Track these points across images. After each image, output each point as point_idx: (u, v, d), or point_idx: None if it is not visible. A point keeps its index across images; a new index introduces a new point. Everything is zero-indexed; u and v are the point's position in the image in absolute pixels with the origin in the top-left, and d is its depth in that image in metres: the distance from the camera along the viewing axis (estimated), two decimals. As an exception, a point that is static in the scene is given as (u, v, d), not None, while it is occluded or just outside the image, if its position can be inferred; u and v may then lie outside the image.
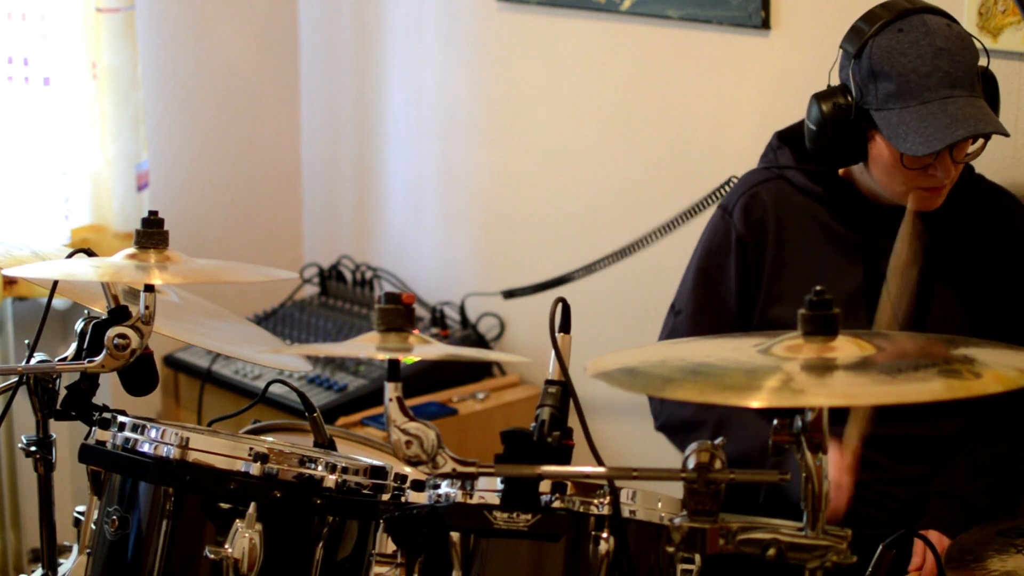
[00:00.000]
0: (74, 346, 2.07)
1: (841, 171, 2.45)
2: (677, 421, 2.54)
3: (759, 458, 2.35)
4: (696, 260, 2.56)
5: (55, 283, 2.12)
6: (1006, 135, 2.25)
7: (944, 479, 2.40)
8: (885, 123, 2.24)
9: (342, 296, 3.84)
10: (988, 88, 2.30)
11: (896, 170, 2.29)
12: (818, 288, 1.57)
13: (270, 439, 2.13)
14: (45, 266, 2.22)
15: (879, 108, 2.25)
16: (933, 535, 2.28)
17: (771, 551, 1.54)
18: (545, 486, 1.68)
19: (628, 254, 3.26)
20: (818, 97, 2.31)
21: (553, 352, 1.74)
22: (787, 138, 2.52)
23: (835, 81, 2.34)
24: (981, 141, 2.30)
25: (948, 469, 2.41)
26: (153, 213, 2.04)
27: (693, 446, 1.57)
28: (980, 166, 2.51)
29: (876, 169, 2.32)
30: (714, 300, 2.51)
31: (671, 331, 2.58)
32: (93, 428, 1.98)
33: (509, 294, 3.56)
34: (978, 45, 2.28)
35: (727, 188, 2.81)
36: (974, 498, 2.36)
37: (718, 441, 1.57)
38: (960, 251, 2.43)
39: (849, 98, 2.28)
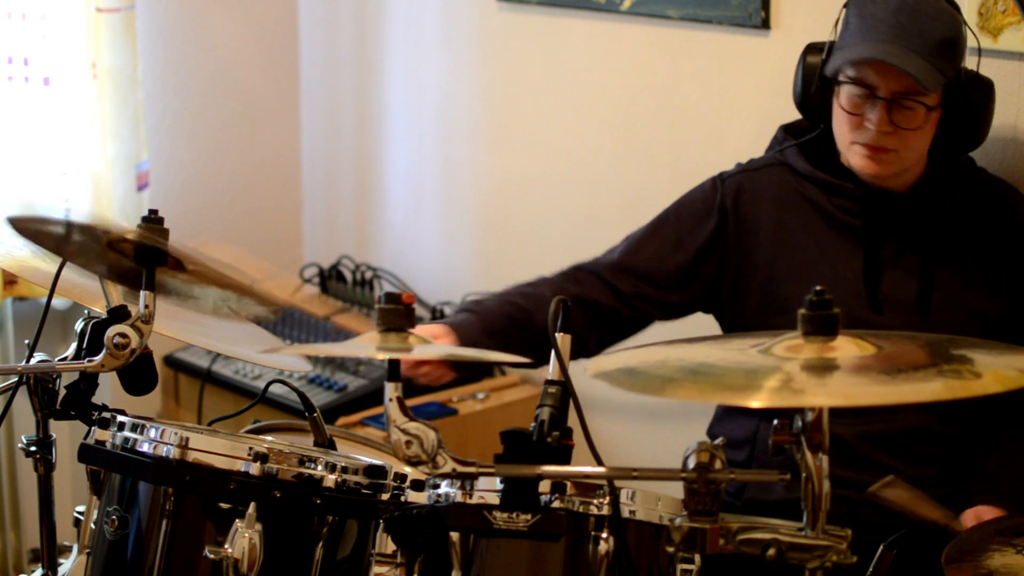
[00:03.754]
0: (74, 346, 2.07)
1: (843, 158, 2.47)
2: None
3: None
4: (672, 205, 2.60)
5: (55, 280, 2.12)
6: (926, 90, 2.27)
7: (978, 477, 2.40)
8: (836, 54, 2.35)
9: (342, 296, 3.84)
10: (977, 91, 2.33)
11: (841, 121, 2.37)
12: (818, 288, 1.57)
13: (270, 439, 2.13)
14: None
15: (839, 48, 2.36)
16: (985, 510, 2.29)
17: (771, 551, 1.54)
18: (545, 486, 1.68)
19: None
20: (809, 47, 2.44)
21: (553, 352, 1.74)
22: (793, 131, 2.56)
23: None
24: (923, 111, 2.30)
25: (980, 468, 2.41)
26: (153, 211, 2.03)
27: (693, 446, 1.56)
28: (982, 164, 2.51)
29: (834, 124, 2.40)
30: (659, 239, 2.55)
31: (612, 248, 2.60)
32: (93, 428, 1.98)
33: None
34: (971, 40, 2.33)
35: None
36: (1013, 488, 2.36)
37: (718, 441, 1.57)
38: (961, 243, 2.44)
39: (829, 47, 2.39)
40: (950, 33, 2.30)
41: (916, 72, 2.25)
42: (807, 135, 2.51)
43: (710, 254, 2.50)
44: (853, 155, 2.37)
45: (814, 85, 2.42)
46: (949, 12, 2.32)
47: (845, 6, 2.37)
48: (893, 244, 2.43)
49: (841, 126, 2.38)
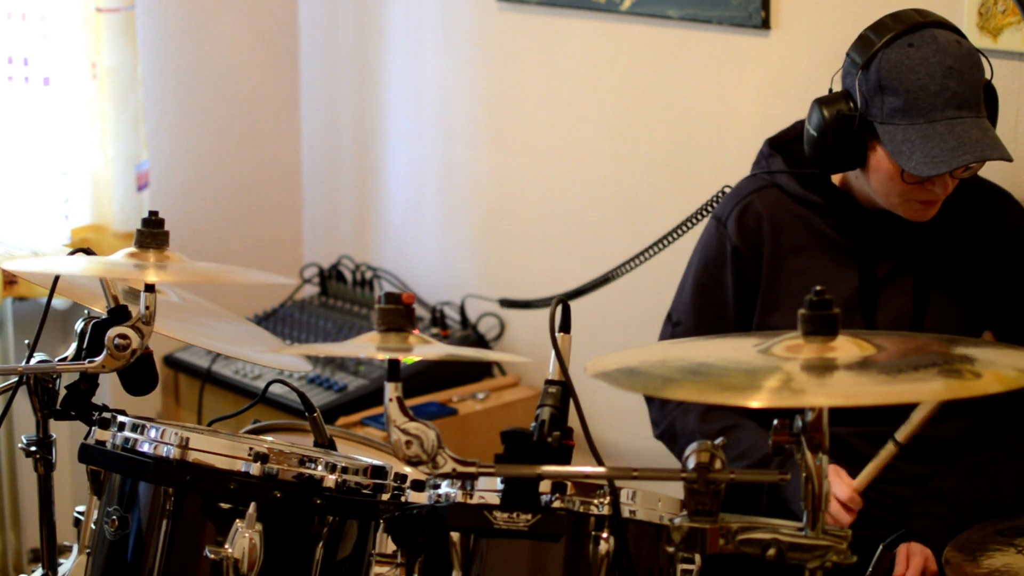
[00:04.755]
0: (74, 346, 2.06)
1: (836, 178, 2.45)
2: (676, 432, 2.53)
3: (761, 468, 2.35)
4: (693, 272, 2.55)
5: (55, 280, 2.12)
6: (1009, 160, 2.24)
7: (927, 495, 2.38)
8: (889, 138, 2.23)
9: (342, 296, 3.84)
10: (988, 103, 2.30)
11: (894, 182, 2.28)
12: (818, 288, 1.57)
13: (270, 439, 2.13)
14: (43, 261, 2.21)
15: (884, 122, 2.24)
16: (916, 547, 2.28)
17: (771, 551, 1.54)
18: (545, 486, 1.68)
19: (628, 270, 3.25)
20: (820, 102, 2.30)
21: (553, 352, 1.74)
22: (778, 145, 2.51)
23: (838, 86, 2.33)
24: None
25: (929, 487, 2.39)
26: (154, 213, 2.03)
27: (693, 446, 1.56)
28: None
29: (874, 178, 2.32)
30: (713, 312, 2.51)
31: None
32: (93, 428, 1.98)
33: (507, 303, 3.57)
34: (983, 60, 2.28)
35: (721, 197, 2.82)
36: (957, 514, 2.33)
37: (718, 441, 1.57)
38: (954, 249, 2.43)
39: (853, 107, 2.27)
40: (983, 74, 2.26)
41: (999, 149, 2.22)
42: (791, 147, 2.47)
43: (745, 295, 2.49)
44: (904, 208, 2.32)
45: (845, 151, 2.29)
46: (972, 51, 2.25)
47: (863, 68, 2.25)
48: (887, 263, 2.42)
49: (892, 187, 2.29)
